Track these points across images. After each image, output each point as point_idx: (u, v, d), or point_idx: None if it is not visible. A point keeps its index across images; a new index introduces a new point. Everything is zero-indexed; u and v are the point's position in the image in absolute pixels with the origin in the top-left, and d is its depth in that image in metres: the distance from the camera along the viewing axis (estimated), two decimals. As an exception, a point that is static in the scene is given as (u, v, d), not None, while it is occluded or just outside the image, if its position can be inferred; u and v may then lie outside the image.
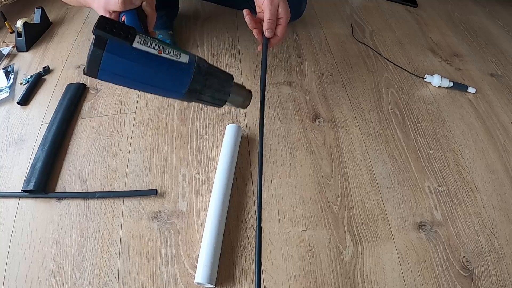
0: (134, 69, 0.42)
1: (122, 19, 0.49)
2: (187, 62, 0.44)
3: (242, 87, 0.51)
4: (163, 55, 0.42)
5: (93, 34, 0.39)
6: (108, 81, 0.44)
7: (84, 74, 0.42)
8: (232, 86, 0.48)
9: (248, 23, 0.60)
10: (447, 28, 1.03)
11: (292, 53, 0.89)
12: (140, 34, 0.42)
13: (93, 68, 0.41)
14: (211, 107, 0.75)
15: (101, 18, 0.40)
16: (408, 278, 0.55)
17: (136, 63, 0.42)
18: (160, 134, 0.70)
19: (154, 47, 0.42)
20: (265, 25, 0.58)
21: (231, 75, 0.49)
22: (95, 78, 0.42)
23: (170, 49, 0.43)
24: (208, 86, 0.46)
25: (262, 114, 0.53)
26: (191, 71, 0.44)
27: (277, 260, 0.55)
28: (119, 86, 0.79)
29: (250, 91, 0.51)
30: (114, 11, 0.49)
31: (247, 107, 0.52)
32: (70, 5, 0.67)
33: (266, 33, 0.59)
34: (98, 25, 0.39)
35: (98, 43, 0.39)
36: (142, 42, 0.41)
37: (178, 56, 0.44)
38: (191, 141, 0.69)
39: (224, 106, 0.50)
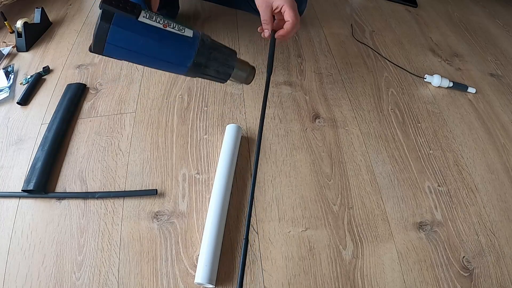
0: (140, 42, 0.43)
1: None
2: (192, 36, 0.45)
3: (246, 62, 0.51)
4: (168, 29, 0.43)
5: (100, 8, 0.40)
6: (113, 56, 0.44)
7: (90, 51, 0.43)
8: (236, 60, 0.49)
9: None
10: (447, 28, 1.03)
11: (292, 53, 0.89)
12: (146, 10, 0.43)
13: (100, 42, 0.41)
14: (215, 82, 0.75)
15: None
16: (408, 278, 0.55)
17: (142, 36, 0.42)
18: (160, 134, 0.70)
19: (159, 21, 0.43)
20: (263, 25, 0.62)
21: (235, 51, 0.50)
22: (101, 53, 0.43)
23: (175, 24, 0.44)
24: (213, 60, 0.47)
25: (265, 99, 0.54)
26: (196, 44, 0.45)
27: (277, 260, 0.55)
28: (119, 86, 0.79)
29: (253, 67, 0.52)
30: None
31: (250, 82, 0.53)
32: None
33: (264, 33, 0.62)
34: (105, 0, 0.40)
35: (105, 17, 0.40)
36: (147, 17, 0.42)
37: (183, 30, 0.44)
38: (191, 141, 0.69)
39: (227, 82, 0.51)
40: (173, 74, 0.81)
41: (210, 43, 0.47)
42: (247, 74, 0.51)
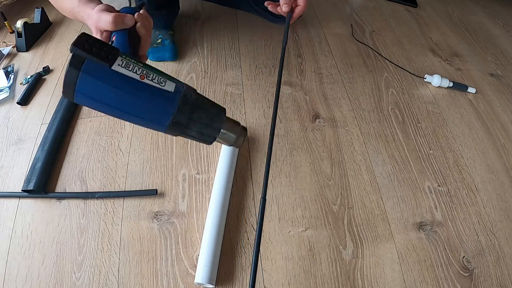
0: (112, 94, 0.38)
1: (112, 39, 0.45)
2: (173, 91, 0.39)
3: (236, 123, 0.45)
4: (145, 81, 0.38)
5: (70, 52, 0.36)
6: (85, 105, 0.40)
7: (63, 95, 0.38)
8: (224, 121, 0.43)
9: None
10: (447, 28, 1.03)
11: (292, 53, 0.89)
12: (124, 57, 0.38)
13: (69, 89, 0.37)
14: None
15: (82, 35, 0.37)
16: (408, 278, 0.55)
17: (114, 87, 0.37)
18: (160, 134, 0.70)
19: (136, 71, 0.38)
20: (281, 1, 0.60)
21: (223, 109, 0.43)
22: (72, 100, 0.39)
23: (154, 75, 0.39)
24: (195, 120, 0.41)
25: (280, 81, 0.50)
26: (176, 101, 0.39)
27: (277, 260, 0.55)
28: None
29: (244, 128, 0.45)
30: (105, 30, 0.45)
31: (240, 145, 0.46)
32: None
33: (283, 8, 0.60)
34: (76, 43, 0.36)
35: (75, 62, 0.36)
36: (123, 65, 0.38)
37: (163, 84, 0.39)
38: (191, 141, 0.69)
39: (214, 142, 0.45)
40: (172, 74, 0.81)
41: (193, 100, 0.40)
42: (237, 136, 0.44)
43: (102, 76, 0.37)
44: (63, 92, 0.38)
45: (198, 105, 0.41)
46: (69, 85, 0.36)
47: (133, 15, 0.46)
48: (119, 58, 0.38)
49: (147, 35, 0.48)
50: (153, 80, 0.38)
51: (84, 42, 0.36)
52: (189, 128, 0.41)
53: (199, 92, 0.42)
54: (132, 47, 0.45)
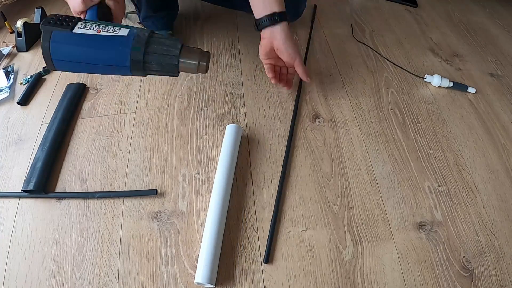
0: (78, 52, 0.45)
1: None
2: (127, 34, 0.45)
3: (195, 49, 0.48)
4: (102, 33, 0.44)
5: (40, 30, 0.44)
6: (66, 70, 0.48)
7: (47, 67, 0.48)
8: (180, 48, 0.47)
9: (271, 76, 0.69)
10: (447, 28, 1.03)
11: (292, 53, 0.89)
12: (84, 21, 0.45)
13: (48, 60, 0.45)
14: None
15: (50, 15, 0.45)
16: (408, 278, 0.55)
17: (78, 45, 0.44)
18: (160, 134, 0.70)
19: (93, 28, 0.45)
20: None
21: (178, 39, 0.48)
22: (55, 69, 0.46)
23: (110, 27, 0.45)
24: (151, 53, 0.45)
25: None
26: (130, 42, 0.45)
27: (277, 260, 0.55)
28: (119, 86, 0.79)
29: (205, 52, 0.49)
30: (81, 12, 0.52)
31: (206, 70, 0.49)
32: None
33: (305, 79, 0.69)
34: (43, 21, 0.44)
35: (45, 36, 0.44)
36: (82, 27, 0.44)
37: (118, 31, 0.45)
38: (191, 141, 0.69)
39: (185, 74, 0.51)
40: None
41: (147, 38, 0.45)
42: (198, 61, 0.47)
43: (66, 40, 0.44)
44: (46, 65, 0.45)
45: (152, 41, 0.46)
46: (47, 57, 0.44)
47: None
48: (79, 23, 0.45)
49: (116, 5, 0.55)
50: (108, 31, 0.45)
51: (50, 20, 0.45)
52: (149, 63, 0.46)
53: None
54: (103, 19, 0.51)
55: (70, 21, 0.45)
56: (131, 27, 0.46)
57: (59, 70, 0.48)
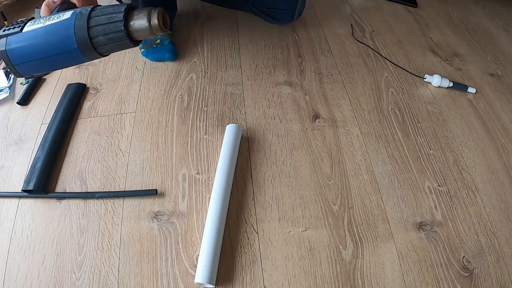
0: (30, 49, 0.43)
1: None
2: (69, 16, 0.42)
3: (144, 9, 0.42)
4: (47, 23, 0.42)
5: None
6: (30, 72, 0.46)
7: (15, 76, 0.47)
8: (124, 12, 0.41)
9: None
10: (447, 28, 1.03)
11: (292, 53, 0.89)
12: (34, 19, 0.43)
13: (11, 68, 0.43)
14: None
15: (5, 25, 0.45)
16: (408, 278, 0.55)
17: (28, 42, 0.43)
18: (160, 134, 0.70)
19: (41, 22, 0.43)
20: None
21: (125, 3, 0.42)
22: (21, 76, 0.45)
23: (55, 16, 0.43)
24: (94, 26, 0.41)
25: None
26: (72, 22, 0.41)
27: (277, 260, 0.55)
28: (119, 86, 0.79)
29: (157, 8, 0.42)
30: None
31: (163, 29, 0.42)
32: None
33: None
34: None
35: (0, 45, 0.43)
36: (31, 24, 0.43)
37: (61, 16, 0.43)
38: (191, 141, 0.69)
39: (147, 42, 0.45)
40: (172, 74, 0.81)
41: (88, 13, 0.41)
42: (148, 18, 0.41)
43: (18, 41, 0.43)
44: (12, 73, 0.46)
45: (94, 14, 0.42)
46: (8, 65, 0.43)
47: None
48: (29, 22, 0.43)
49: (80, 2, 0.50)
50: (53, 20, 0.43)
51: (4, 28, 0.44)
52: (95, 37, 0.42)
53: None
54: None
55: (19, 23, 0.44)
56: (77, 10, 0.42)
57: (25, 76, 0.46)
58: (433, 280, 0.55)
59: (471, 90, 0.82)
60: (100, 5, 0.43)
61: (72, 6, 0.49)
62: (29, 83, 0.78)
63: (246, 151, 0.68)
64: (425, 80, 0.84)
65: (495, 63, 0.93)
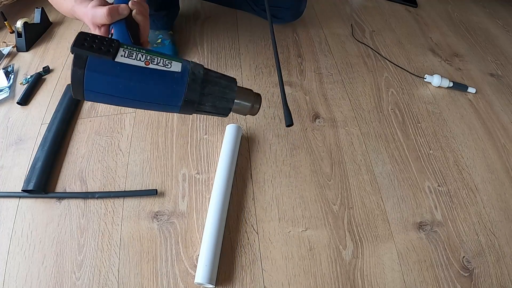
0: (120, 85, 0.38)
1: (111, 32, 0.45)
2: (180, 70, 0.39)
3: (249, 90, 0.44)
4: (151, 66, 0.38)
5: (71, 52, 0.36)
6: (97, 101, 0.40)
7: (73, 96, 0.38)
8: (236, 91, 0.42)
9: None
10: (447, 28, 1.03)
11: (292, 53, 0.89)
12: (125, 46, 0.38)
13: (78, 89, 0.37)
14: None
15: (80, 34, 0.37)
16: (408, 278, 0.55)
17: (122, 78, 0.37)
18: (160, 134, 0.70)
19: (140, 58, 0.38)
20: None
21: (234, 79, 0.43)
22: (82, 99, 0.39)
23: (159, 59, 0.39)
24: (207, 95, 0.40)
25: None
26: (185, 80, 0.39)
27: (277, 260, 0.55)
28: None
29: (258, 95, 0.45)
30: (102, 25, 0.45)
31: (257, 113, 0.45)
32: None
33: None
34: (76, 43, 0.36)
35: (78, 62, 0.36)
36: (126, 55, 0.37)
37: (169, 65, 0.39)
38: (191, 141, 0.69)
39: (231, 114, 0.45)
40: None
41: (203, 76, 0.40)
42: (251, 104, 0.43)
43: (107, 70, 0.37)
44: (73, 93, 0.38)
45: (208, 80, 0.41)
46: (77, 86, 0.37)
47: (127, 4, 0.45)
48: (121, 49, 0.37)
49: (145, 21, 0.48)
50: (159, 64, 0.38)
51: (83, 40, 0.36)
52: (203, 104, 0.41)
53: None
54: (132, 36, 0.44)
55: (109, 44, 0.37)
56: (181, 60, 0.40)
57: (87, 100, 0.40)
58: (433, 280, 0.55)
59: (471, 90, 0.82)
60: (210, 70, 0.42)
61: (132, 24, 0.46)
62: (29, 83, 0.78)
63: (246, 151, 0.68)
64: (425, 80, 0.84)
65: (495, 63, 0.93)
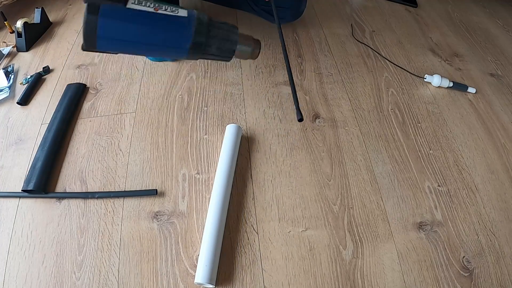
0: (132, 30, 0.40)
1: None
2: (187, 15, 0.42)
3: (249, 36, 0.49)
4: (160, 11, 0.41)
5: (85, 2, 0.38)
6: (108, 50, 0.42)
7: (83, 50, 0.40)
8: (238, 35, 0.46)
9: None
10: (447, 28, 1.03)
11: (292, 53, 0.89)
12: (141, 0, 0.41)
13: (91, 38, 0.39)
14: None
15: None
16: (408, 278, 0.55)
17: (134, 23, 0.40)
18: (160, 134, 0.70)
19: (149, 5, 0.41)
20: None
21: (235, 26, 0.47)
22: (95, 49, 0.41)
23: (167, 6, 0.42)
24: (213, 37, 0.44)
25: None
26: (192, 24, 0.42)
27: (277, 260, 0.55)
28: (119, 86, 0.79)
29: (258, 40, 0.49)
30: None
31: (257, 57, 0.50)
32: None
33: None
34: None
35: (91, 10, 0.38)
36: (137, 2, 0.40)
37: (177, 11, 0.42)
38: (191, 141, 0.69)
39: (232, 60, 0.49)
40: (172, 74, 0.81)
41: (207, 20, 0.43)
42: (252, 48, 0.48)
43: (120, 16, 0.39)
44: (84, 43, 0.39)
45: (213, 24, 0.44)
46: (90, 34, 0.38)
47: None
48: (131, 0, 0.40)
49: None
50: (167, 10, 0.41)
51: None
52: (209, 46, 0.44)
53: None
54: None
55: None
56: (185, 8, 0.43)
57: (98, 51, 0.42)
58: (433, 280, 0.55)
59: (471, 90, 0.82)
60: (211, 18, 0.45)
61: None
62: (29, 83, 0.78)
63: (246, 151, 0.68)
64: (425, 80, 0.84)
65: (495, 63, 0.93)
